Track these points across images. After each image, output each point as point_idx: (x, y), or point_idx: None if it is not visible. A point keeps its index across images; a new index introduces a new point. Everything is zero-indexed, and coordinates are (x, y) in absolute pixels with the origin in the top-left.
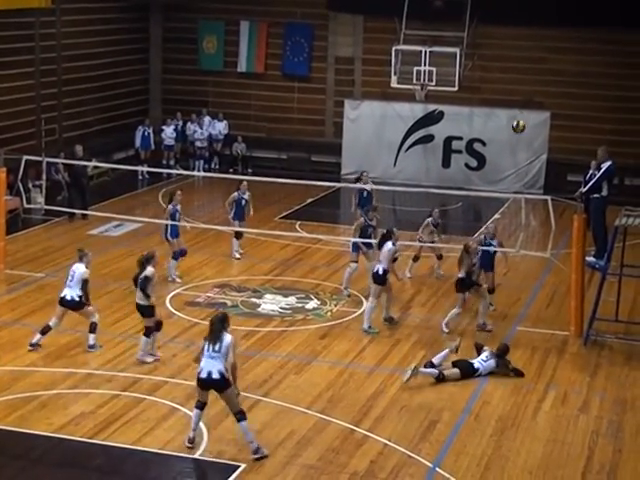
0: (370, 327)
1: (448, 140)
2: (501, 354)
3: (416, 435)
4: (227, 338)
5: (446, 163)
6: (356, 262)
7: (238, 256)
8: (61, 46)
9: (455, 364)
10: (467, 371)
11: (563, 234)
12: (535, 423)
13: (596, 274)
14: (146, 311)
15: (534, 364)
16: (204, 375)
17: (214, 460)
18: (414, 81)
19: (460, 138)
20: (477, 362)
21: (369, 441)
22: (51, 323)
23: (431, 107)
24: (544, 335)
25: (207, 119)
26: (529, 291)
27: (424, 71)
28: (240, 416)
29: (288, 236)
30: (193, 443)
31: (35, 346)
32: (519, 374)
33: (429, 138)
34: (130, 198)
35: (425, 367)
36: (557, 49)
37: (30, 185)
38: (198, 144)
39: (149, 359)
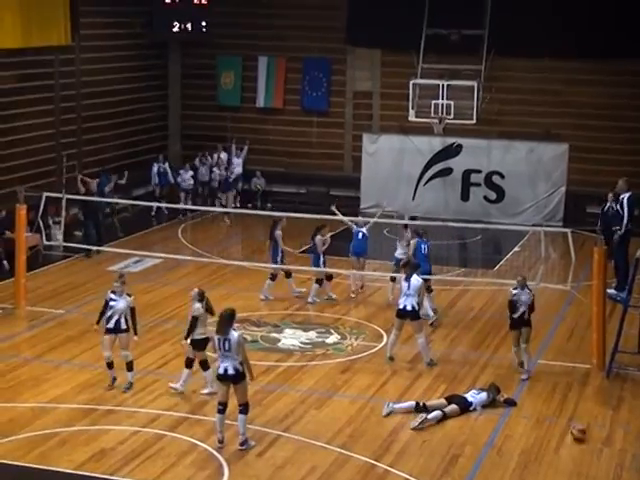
0: (431, 360)
1: (467, 173)
2: (492, 388)
3: (438, 470)
4: (234, 337)
5: (465, 196)
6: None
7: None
8: (81, 83)
9: (450, 400)
10: (463, 406)
11: (583, 266)
12: (558, 457)
13: (617, 306)
14: (199, 345)
15: (556, 397)
16: (221, 371)
17: None
18: (432, 114)
19: (479, 171)
20: (469, 396)
21: (390, 476)
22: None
23: (449, 140)
24: (565, 368)
25: (223, 156)
26: (550, 324)
27: (442, 104)
28: (244, 409)
29: (308, 270)
30: (223, 442)
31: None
32: (512, 404)
33: (448, 171)
34: (150, 234)
35: (418, 410)
36: (575, 81)
37: (50, 222)
38: (214, 183)
39: (207, 390)
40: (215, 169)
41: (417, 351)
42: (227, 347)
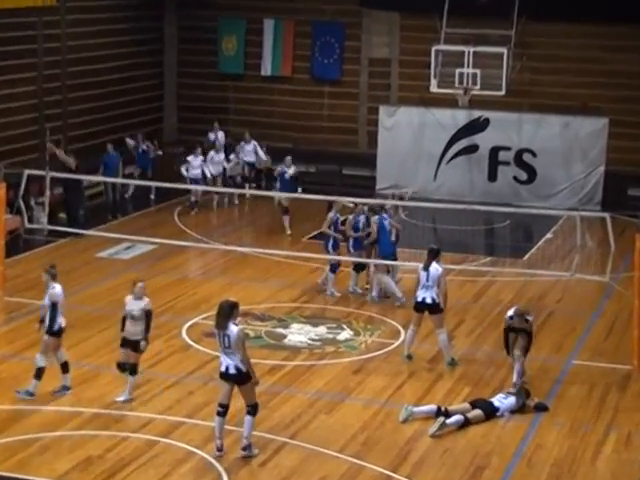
0: (452, 359)
1: (494, 151)
2: (521, 391)
3: None
4: (233, 332)
5: (492, 176)
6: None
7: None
8: (66, 48)
9: (474, 405)
10: (489, 411)
11: (624, 255)
12: (595, 469)
13: None
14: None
15: (592, 402)
16: (222, 369)
17: None
18: (456, 85)
19: (508, 148)
20: (496, 400)
21: None
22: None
23: (475, 114)
24: (603, 369)
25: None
26: (586, 320)
27: (467, 73)
28: (252, 410)
29: (318, 258)
30: (222, 450)
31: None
32: (543, 409)
33: (473, 148)
34: (143, 217)
35: (438, 416)
36: (616, 47)
37: (32, 202)
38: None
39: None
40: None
41: (438, 349)
42: (227, 343)
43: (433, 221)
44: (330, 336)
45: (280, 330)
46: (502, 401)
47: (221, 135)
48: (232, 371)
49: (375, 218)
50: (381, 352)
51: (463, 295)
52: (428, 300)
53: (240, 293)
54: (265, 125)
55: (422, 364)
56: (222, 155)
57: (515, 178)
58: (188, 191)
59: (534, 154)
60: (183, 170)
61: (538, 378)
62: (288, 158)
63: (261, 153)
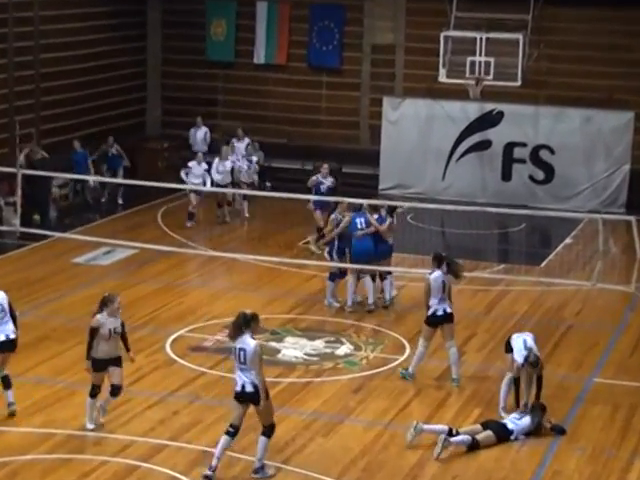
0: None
1: (509, 147)
2: (536, 409)
3: None
4: (250, 346)
5: (506, 175)
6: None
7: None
8: (39, 33)
9: (485, 426)
10: (501, 434)
11: None
12: None
13: None
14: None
15: (616, 425)
16: (238, 388)
17: None
18: (467, 74)
19: (523, 144)
20: (509, 421)
21: None
22: None
23: (488, 106)
24: (628, 388)
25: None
26: (609, 334)
27: (479, 62)
28: (268, 431)
29: (315, 265)
30: (214, 472)
31: None
32: (560, 431)
33: (485, 145)
34: (123, 218)
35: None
36: None
37: (2, 202)
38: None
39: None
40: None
41: (446, 366)
42: (242, 358)
43: (441, 224)
44: (328, 351)
45: (273, 344)
46: (516, 422)
47: (204, 133)
48: (249, 389)
49: (349, 216)
50: (384, 369)
51: (474, 306)
52: (442, 312)
53: (229, 303)
54: (257, 118)
55: (429, 382)
56: (229, 164)
57: (531, 177)
58: (173, 190)
59: (552, 151)
60: (183, 175)
61: (556, 397)
62: (325, 166)
63: (254, 162)
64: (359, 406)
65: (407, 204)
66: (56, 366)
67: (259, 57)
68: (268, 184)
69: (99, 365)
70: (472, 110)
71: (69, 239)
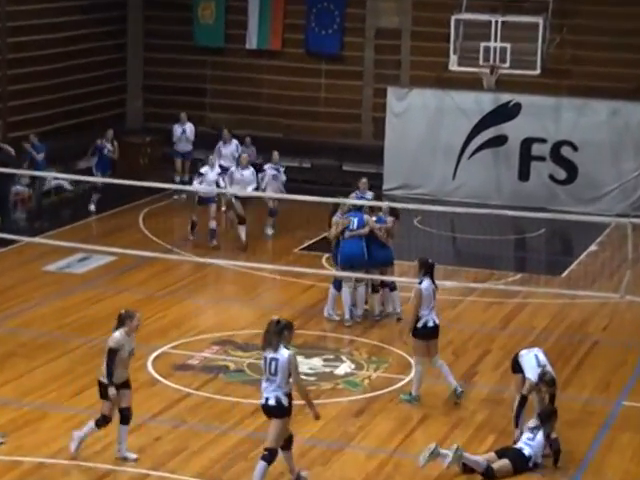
0: (458, 391)
1: (527, 143)
2: (544, 418)
3: None
4: (284, 356)
5: (524, 175)
6: None
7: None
8: (5, 15)
9: (501, 454)
10: (519, 462)
11: None
12: None
13: None
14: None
15: None
16: (262, 401)
17: None
18: (481, 62)
19: (543, 140)
20: (524, 445)
21: None
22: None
23: (504, 98)
24: None
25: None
26: (637, 352)
27: (494, 48)
28: (267, 455)
29: (312, 274)
30: None
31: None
32: (556, 451)
33: (501, 140)
34: (100, 221)
35: (487, 475)
36: None
37: None
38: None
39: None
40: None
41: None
42: (273, 369)
43: (451, 229)
44: (327, 370)
45: None
46: (530, 444)
47: (190, 130)
48: (271, 402)
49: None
50: (388, 390)
51: (488, 320)
52: (437, 321)
53: (218, 316)
54: (249, 110)
55: (437, 405)
56: (249, 171)
57: (552, 177)
58: (156, 190)
59: (575, 147)
60: (196, 184)
61: (580, 423)
62: (364, 181)
63: (281, 170)
64: (361, 432)
65: (416, 207)
66: (24, 386)
67: (251, 42)
68: None
69: (109, 390)
70: (486, 102)
71: (39, 244)
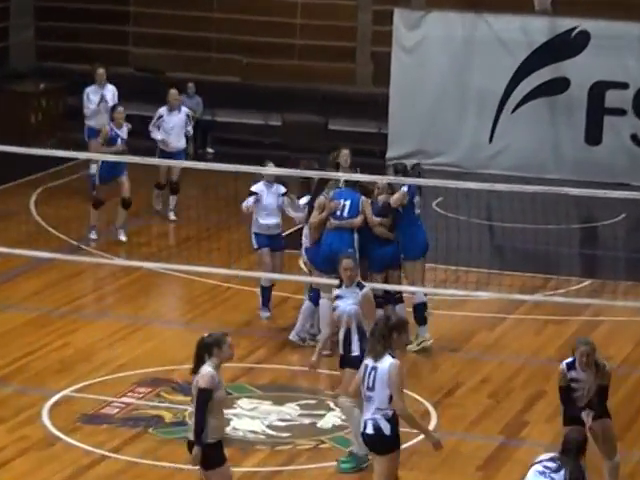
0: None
1: (598, 89)
2: (571, 450)
3: None
4: (385, 365)
5: (594, 136)
6: None
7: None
8: None
9: None
10: None
11: None
12: None
13: None
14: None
15: None
16: (361, 428)
17: None
18: None
19: (623, 85)
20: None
21: None
22: None
23: (564, 23)
24: None
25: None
26: None
27: None
28: None
29: (284, 280)
30: None
31: None
32: None
33: (560, 85)
34: None
35: None
36: None
37: None
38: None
39: None
40: None
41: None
42: (372, 381)
43: (487, 215)
44: (306, 421)
45: None
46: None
47: (111, 94)
48: (369, 430)
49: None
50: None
51: (543, 346)
52: None
53: (146, 344)
54: (193, 43)
55: (466, 469)
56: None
57: (635, 138)
58: (56, 161)
59: None
60: (153, 130)
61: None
62: (345, 152)
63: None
64: None
65: (435, 182)
66: None
67: None
68: (210, 150)
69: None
70: (538, 30)
71: None
